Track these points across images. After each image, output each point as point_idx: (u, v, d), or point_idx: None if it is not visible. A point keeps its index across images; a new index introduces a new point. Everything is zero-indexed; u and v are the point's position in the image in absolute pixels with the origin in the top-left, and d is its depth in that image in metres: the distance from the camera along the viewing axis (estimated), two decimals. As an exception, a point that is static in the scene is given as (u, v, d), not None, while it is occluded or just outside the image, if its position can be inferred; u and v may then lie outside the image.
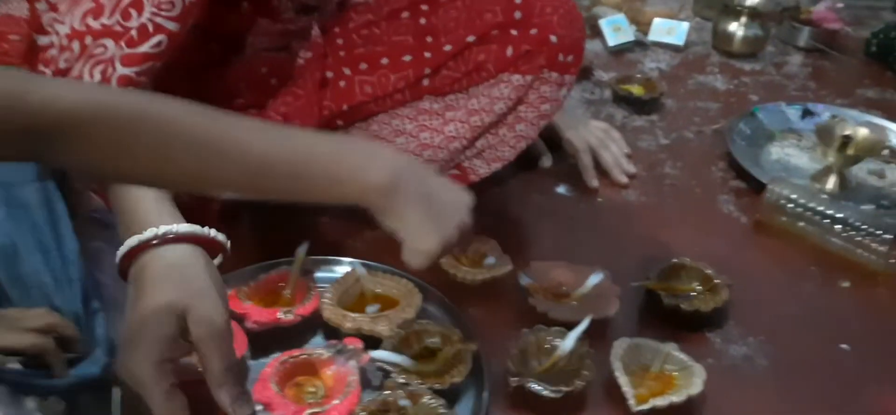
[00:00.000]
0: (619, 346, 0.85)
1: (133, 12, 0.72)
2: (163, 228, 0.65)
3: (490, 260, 0.96)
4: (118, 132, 0.52)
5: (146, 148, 0.53)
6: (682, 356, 0.85)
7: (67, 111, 0.49)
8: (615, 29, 1.67)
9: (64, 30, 0.73)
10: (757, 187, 1.17)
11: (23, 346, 0.67)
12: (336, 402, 0.74)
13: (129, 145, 0.53)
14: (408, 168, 0.64)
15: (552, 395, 0.78)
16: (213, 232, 0.68)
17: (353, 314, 0.85)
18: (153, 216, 0.66)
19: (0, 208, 0.78)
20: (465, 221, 0.68)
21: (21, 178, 0.81)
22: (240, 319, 0.81)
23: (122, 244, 0.66)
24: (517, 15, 0.97)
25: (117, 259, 0.66)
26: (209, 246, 0.68)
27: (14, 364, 0.68)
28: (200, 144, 0.55)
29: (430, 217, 0.64)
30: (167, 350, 0.60)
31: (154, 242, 0.64)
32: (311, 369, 0.79)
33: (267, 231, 1.01)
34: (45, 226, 0.78)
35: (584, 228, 1.11)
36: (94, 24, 0.72)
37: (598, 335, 0.87)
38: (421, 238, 0.65)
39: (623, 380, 0.81)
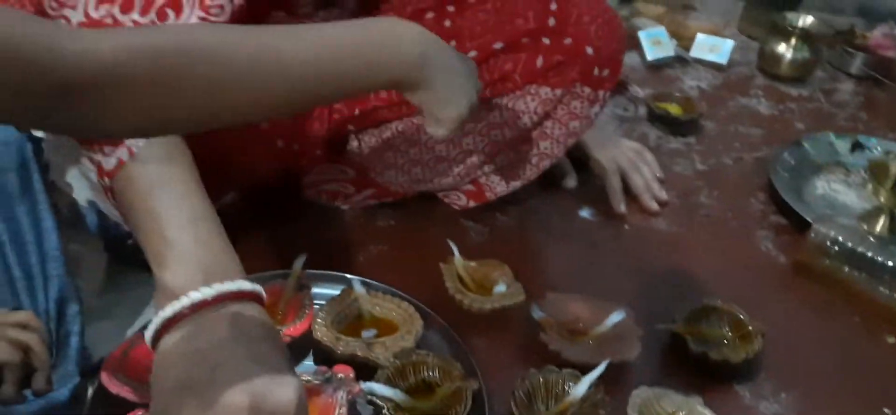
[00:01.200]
0: (638, 395, 0.77)
1: (171, 12, 0.63)
2: (255, 285, 0.54)
3: (500, 287, 0.89)
4: (165, 73, 0.46)
5: (194, 85, 0.47)
6: (708, 412, 0.77)
7: (109, 61, 0.43)
8: (654, 43, 1.59)
9: (76, 16, 0.62)
10: (799, 225, 1.08)
11: None
12: (319, 437, 0.68)
13: (177, 85, 0.47)
14: (431, 39, 0.65)
15: (559, 447, 0.71)
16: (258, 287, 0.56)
17: (347, 338, 0.78)
18: (214, 253, 0.56)
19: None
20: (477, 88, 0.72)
21: (4, 163, 0.77)
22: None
23: (160, 279, 0.56)
24: (551, 22, 0.90)
25: (193, 299, 0.51)
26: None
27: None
28: (246, 65, 0.50)
29: (455, 84, 0.67)
30: None
31: (247, 293, 0.54)
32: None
33: (264, 240, 0.95)
34: (25, 218, 0.74)
35: (607, 259, 1.03)
36: (122, 18, 0.63)
37: (615, 381, 0.79)
38: (450, 105, 0.68)
39: (639, 434, 0.73)
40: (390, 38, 0.62)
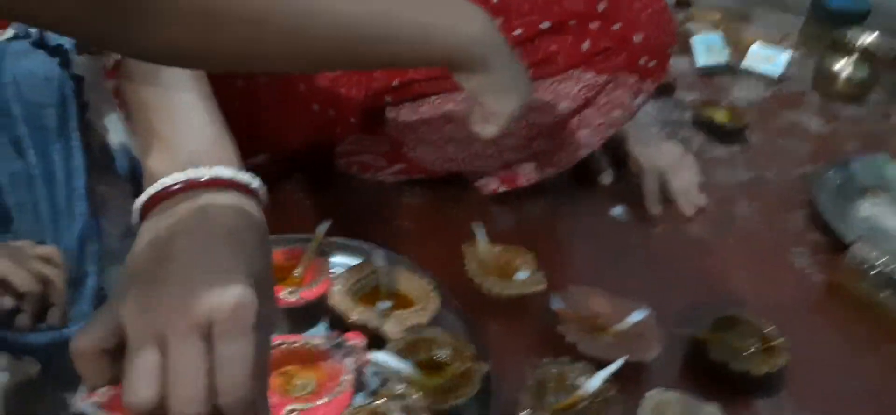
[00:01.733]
0: (653, 397, 0.76)
1: None
2: (241, 174, 0.48)
3: (522, 274, 0.88)
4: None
5: (244, 17, 0.45)
6: (724, 422, 0.75)
7: None
8: (708, 48, 1.55)
9: None
10: (837, 246, 1.04)
11: (14, 281, 0.64)
12: (322, 401, 0.68)
13: (226, 11, 0.44)
14: (494, 24, 0.62)
15: (564, 439, 0.70)
16: (264, 194, 0.51)
17: (361, 307, 0.78)
18: (203, 140, 0.50)
19: (22, 126, 0.75)
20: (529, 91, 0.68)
21: (45, 99, 0.78)
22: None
23: (145, 167, 0.50)
24: (601, 7, 0.88)
25: (163, 184, 0.47)
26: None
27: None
28: (302, 6, 0.47)
29: (513, 75, 0.64)
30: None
31: (224, 181, 0.47)
32: (304, 359, 0.73)
33: (291, 204, 0.96)
34: (58, 155, 0.75)
35: (634, 258, 1.01)
36: None
37: (630, 380, 0.78)
38: (506, 95, 0.64)
39: (649, 438, 0.71)
40: (455, 10, 0.59)
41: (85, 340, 0.43)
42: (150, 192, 0.48)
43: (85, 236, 0.70)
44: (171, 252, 0.43)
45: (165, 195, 0.47)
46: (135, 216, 0.48)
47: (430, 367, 0.76)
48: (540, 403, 0.74)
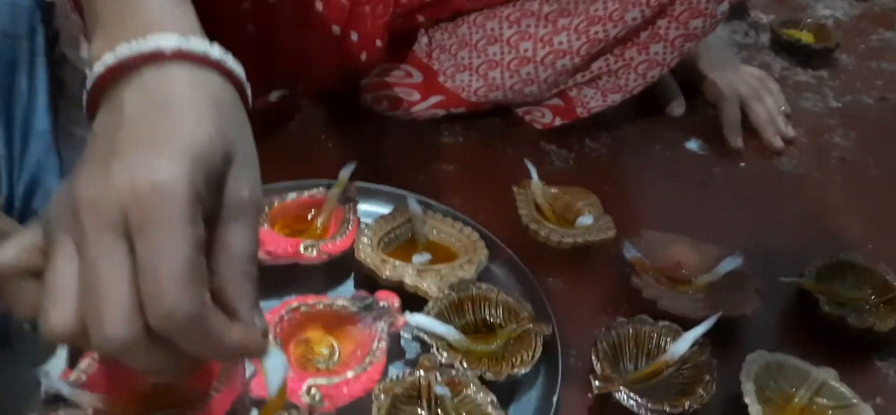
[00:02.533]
0: (755, 360, 0.62)
1: None
2: (186, 39, 0.38)
3: (586, 219, 0.74)
4: None
5: None
6: (843, 389, 0.62)
7: None
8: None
9: None
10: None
11: None
12: (351, 373, 0.56)
13: None
14: None
15: (649, 414, 0.56)
16: (237, 67, 0.40)
17: (394, 261, 0.65)
18: (164, 16, 0.39)
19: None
20: None
21: (13, 28, 0.67)
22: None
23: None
24: None
25: (96, 71, 0.38)
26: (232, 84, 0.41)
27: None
28: None
29: None
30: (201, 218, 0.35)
31: (167, 54, 0.37)
32: (327, 323, 0.61)
33: (312, 146, 0.84)
34: (21, 91, 0.63)
35: (717, 199, 0.87)
36: None
37: (726, 342, 0.64)
38: None
39: (755, 410, 0.58)
40: None
41: (3, 258, 0.37)
42: (88, 83, 0.38)
43: (31, 191, 0.58)
44: (93, 142, 0.36)
45: (102, 84, 0.37)
46: (85, 111, 0.39)
47: (478, 331, 0.63)
48: (616, 371, 0.61)
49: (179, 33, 0.38)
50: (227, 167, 0.37)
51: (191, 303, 0.33)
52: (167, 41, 0.37)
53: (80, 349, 0.50)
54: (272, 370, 0.44)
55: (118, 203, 0.33)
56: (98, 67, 0.37)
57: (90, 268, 0.33)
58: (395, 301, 0.62)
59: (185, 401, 0.52)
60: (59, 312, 0.34)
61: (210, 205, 0.36)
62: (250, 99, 0.41)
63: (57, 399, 0.48)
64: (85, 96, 0.39)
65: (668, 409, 0.57)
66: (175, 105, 0.36)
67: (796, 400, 0.61)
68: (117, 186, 0.33)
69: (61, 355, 0.54)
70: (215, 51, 0.39)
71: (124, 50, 0.37)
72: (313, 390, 0.54)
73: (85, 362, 0.52)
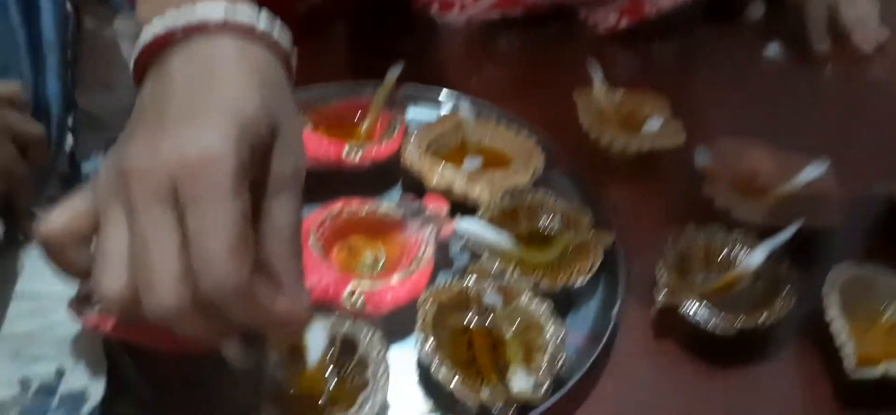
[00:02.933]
0: (840, 273, 0.56)
1: None
2: (233, 9, 0.38)
3: (654, 124, 0.69)
4: None
5: None
6: (941, 308, 0.56)
7: None
8: None
9: None
10: None
11: None
12: (396, 279, 0.53)
13: None
14: None
15: (720, 330, 0.52)
16: (283, 36, 0.40)
17: (443, 166, 0.62)
18: None
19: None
20: None
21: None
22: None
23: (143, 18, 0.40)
24: None
25: (144, 39, 0.38)
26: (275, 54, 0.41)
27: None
28: None
29: None
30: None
31: (213, 26, 0.38)
32: (372, 230, 0.58)
33: (358, 48, 0.80)
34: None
35: (799, 106, 0.80)
36: None
37: (807, 255, 0.59)
38: None
39: (839, 325, 0.53)
40: None
41: (49, 225, 0.38)
42: (133, 54, 0.39)
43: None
44: (141, 111, 0.38)
45: (150, 52, 0.38)
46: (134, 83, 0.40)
47: (533, 240, 0.59)
48: (684, 282, 0.56)
49: (227, 1, 0.38)
50: (273, 140, 0.37)
51: (239, 273, 0.33)
52: (214, 12, 0.37)
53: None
54: (314, 343, 0.47)
55: (167, 174, 0.33)
56: (146, 35, 0.38)
57: (140, 237, 0.34)
58: (444, 207, 0.58)
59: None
60: (111, 280, 0.35)
61: (255, 177, 0.36)
62: (295, 66, 0.42)
63: (89, 297, 0.47)
64: (131, 63, 0.39)
65: (741, 324, 0.52)
66: (223, 77, 0.36)
67: (885, 318, 0.56)
68: (166, 156, 0.34)
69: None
70: (262, 22, 0.39)
71: (172, 19, 0.37)
72: (356, 295, 0.51)
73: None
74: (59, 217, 0.38)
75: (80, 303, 0.47)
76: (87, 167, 0.58)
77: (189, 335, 0.35)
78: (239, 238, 0.33)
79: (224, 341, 0.37)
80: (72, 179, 0.57)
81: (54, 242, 0.38)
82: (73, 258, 0.39)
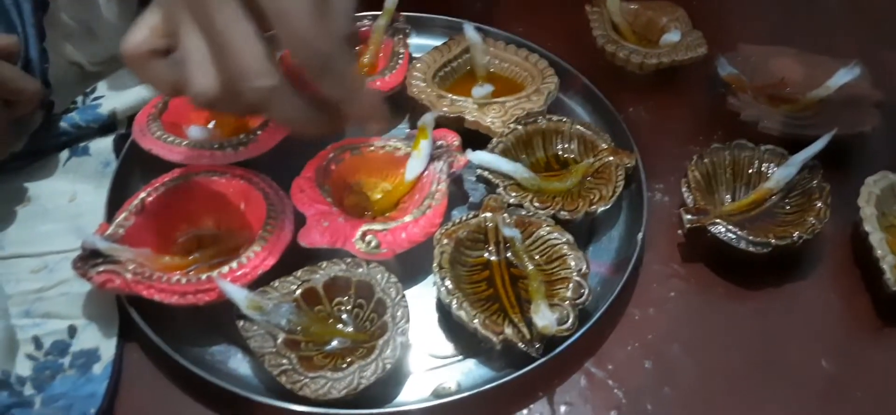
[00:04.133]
0: (876, 183, 0.55)
1: None
2: None
3: (672, 36, 0.67)
4: None
5: None
6: (983, 213, 0.54)
7: None
8: None
9: None
10: None
11: None
12: (408, 218, 0.52)
13: None
14: None
15: (751, 247, 0.51)
16: None
17: (452, 96, 0.60)
18: None
19: None
20: None
21: None
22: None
23: None
24: None
25: None
26: None
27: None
28: None
29: None
30: None
31: None
32: (380, 168, 0.57)
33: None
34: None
35: (829, 5, 0.77)
36: None
37: (840, 165, 0.58)
38: None
39: (876, 238, 0.52)
40: None
41: (130, 43, 0.43)
42: None
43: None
44: None
45: None
46: None
47: (550, 168, 0.58)
48: (710, 202, 0.55)
49: None
50: None
51: (330, 37, 0.39)
52: None
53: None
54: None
55: None
56: None
57: (223, 33, 0.38)
58: (455, 139, 0.57)
59: (226, 254, 0.49)
60: (204, 77, 0.39)
61: None
62: None
63: (95, 255, 0.46)
64: None
65: (773, 240, 0.51)
66: None
67: (925, 228, 0.55)
68: None
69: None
70: None
71: None
72: (369, 237, 0.50)
73: (122, 216, 0.50)
74: (139, 34, 0.42)
75: (85, 262, 0.46)
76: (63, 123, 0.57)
77: (287, 118, 0.41)
78: (318, 7, 0.38)
79: (310, 121, 0.42)
80: (45, 131, 0.56)
81: (138, 56, 0.42)
82: (158, 71, 0.43)
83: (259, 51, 0.39)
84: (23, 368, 0.46)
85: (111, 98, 0.59)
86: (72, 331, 0.48)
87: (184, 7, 0.39)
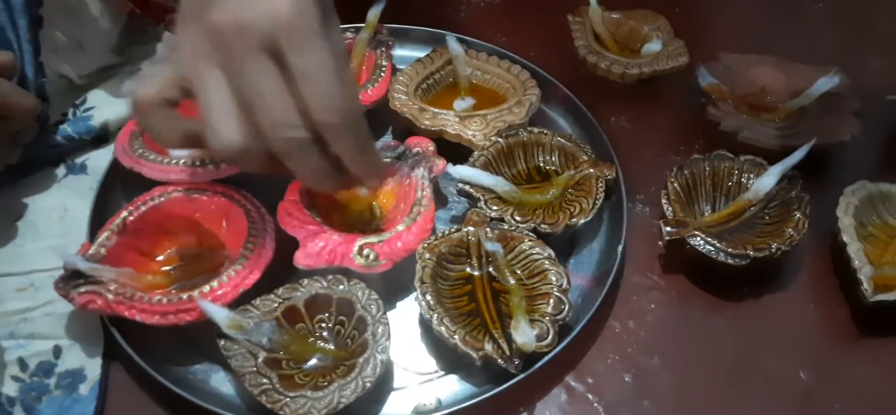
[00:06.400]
0: (855, 193, 0.56)
1: None
2: None
3: (654, 46, 0.68)
4: None
5: None
6: (960, 222, 0.56)
7: None
8: None
9: None
10: None
11: None
12: (401, 227, 0.52)
13: None
14: None
15: (730, 259, 0.52)
16: None
17: (434, 109, 0.61)
18: None
19: None
20: None
21: None
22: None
23: None
24: None
25: None
26: None
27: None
28: None
29: None
30: None
31: None
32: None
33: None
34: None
35: (808, 14, 0.79)
36: None
37: (820, 174, 0.59)
38: None
39: (854, 248, 0.53)
40: None
41: (144, 91, 0.44)
42: None
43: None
44: None
45: None
46: None
47: (531, 180, 0.59)
48: (689, 214, 0.56)
49: None
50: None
51: (354, 100, 0.42)
52: None
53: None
54: None
55: (262, 27, 0.39)
56: None
57: (252, 85, 0.40)
58: (429, 145, 0.58)
59: (208, 272, 0.50)
60: (228, 129, 0.40)
61: None
62: None
63: (76, 275, 0.47)
64: None
65: (751, 252, 0.52)
66: None
67: (903, 237, 0.56)
68: (257, 13, 0.39)
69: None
70: None
71: None
72: (367, 251, 0.50)
73: (103, 235, 0.50)
74: (152, 85, 0.44)
75: (67, 282, 0.47)
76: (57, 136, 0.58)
77: (309, 172, 0.43)
78: (343, 72, 0.40)
79: (329, 176, 0.44)
80: (38, 144, 0.57)
81: (148, 107, 0.44)
82: (170, 121, 0.44)
83: (289, 103, 0.40)
84: (10, 389, 0.47)
85: (102, 109, 0.61)
86: (57, 351, 0.49)
87: (209, 60, 0.40)
